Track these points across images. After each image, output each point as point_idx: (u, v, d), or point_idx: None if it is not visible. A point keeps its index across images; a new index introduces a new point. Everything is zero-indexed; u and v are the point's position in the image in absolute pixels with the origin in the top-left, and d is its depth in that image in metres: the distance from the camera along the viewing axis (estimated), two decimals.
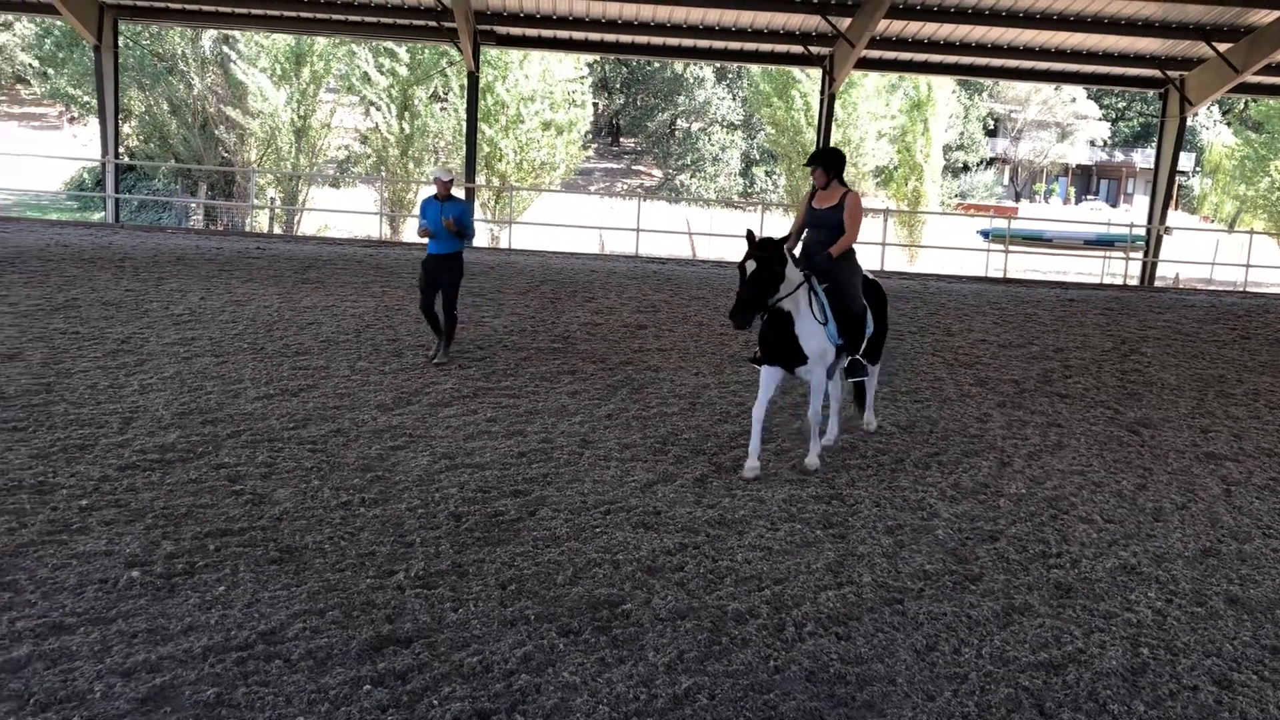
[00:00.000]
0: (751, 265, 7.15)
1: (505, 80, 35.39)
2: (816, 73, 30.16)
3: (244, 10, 23.77)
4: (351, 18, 23.76)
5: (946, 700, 4.61)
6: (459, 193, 17.15)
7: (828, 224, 7.96)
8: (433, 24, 23.25)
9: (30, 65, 49.56)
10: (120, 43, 24.90)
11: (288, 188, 35.47)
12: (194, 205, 35.65)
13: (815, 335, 7.50)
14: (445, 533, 6.15)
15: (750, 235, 7.33)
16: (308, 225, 34.03)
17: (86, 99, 39.29)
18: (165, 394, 8.88)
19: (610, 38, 24.33)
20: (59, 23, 35.19)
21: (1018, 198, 67.73)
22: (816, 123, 26.42)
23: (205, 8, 23.80)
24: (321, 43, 33.85)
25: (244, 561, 5.57)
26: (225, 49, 35.94)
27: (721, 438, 8.51)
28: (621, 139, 63.45)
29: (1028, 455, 8.55)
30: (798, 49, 23.96)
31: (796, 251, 7.91)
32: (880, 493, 7.34)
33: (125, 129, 34.77)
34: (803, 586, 5.66)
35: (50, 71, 44.29)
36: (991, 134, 67.51)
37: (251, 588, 5.25)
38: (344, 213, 34.13)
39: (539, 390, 9.79)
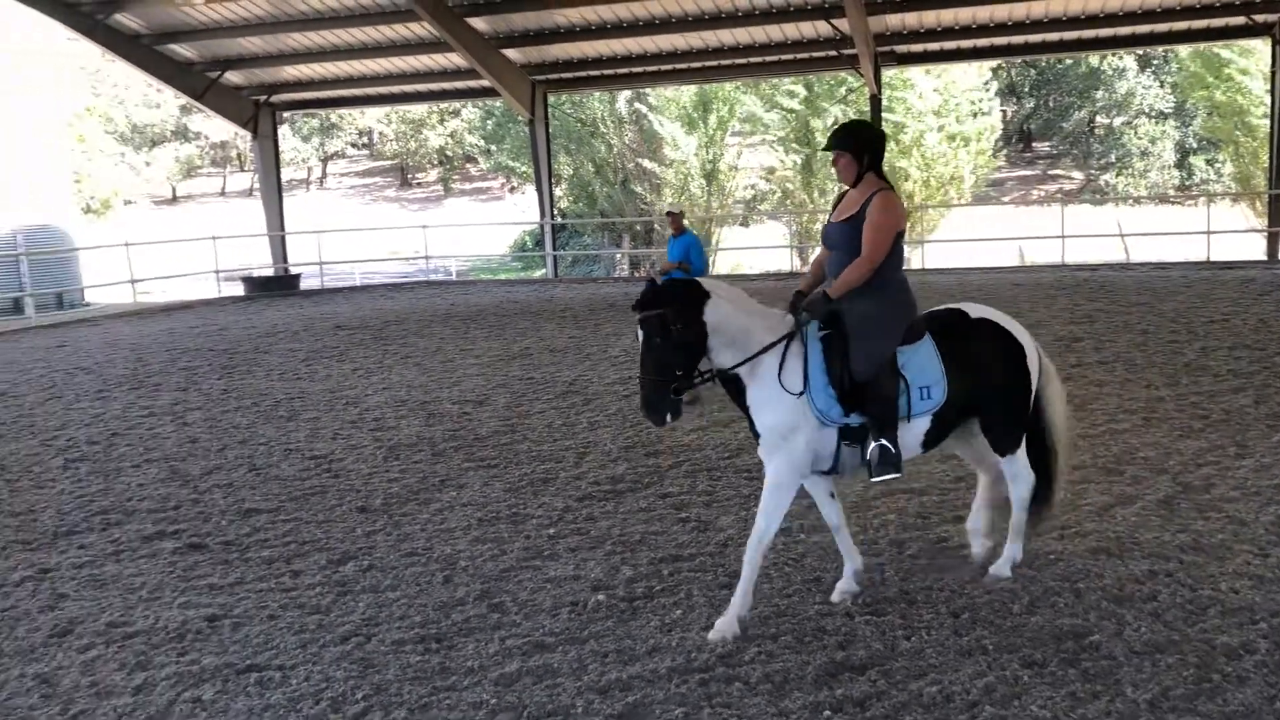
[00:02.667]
0: (639, 331, 5.01)
1: (905, 101, 34.92)
2: (1263, 44, 26.91)
3: (654, 68, 25.34)
4: (754, 59, 24.56)
5: None
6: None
7: (845, 244, 5.24)
8: (832, 53, 23.43)
9: (476, 145, 56.22)
10: (549, 114, 27.46)
11: (701, 230, 37.17)
12: (619, 255, 38.34)
13: (773, 405, 5.10)
14: (889, 559, 6.04)
15: (650, 284, 5.02)
16: (722, 264, 35.38)
17: (523, 169, 43.82)
18: (611, 429, 9.53)
19: (1018, 39, 23.23)
20: (498, 103, 39.41)
21: None
22: (1271, 99, 23.40)
23: (620, 71, 25.67)
24: (726, 87, 35.30)
25: (696, 586, 5.79)
26: (638, 105, 38.56)
27: (1185, 454, 7.68)
28: (1034, 144, 60.15)
29: None
30: (1238, 20, 21.53)
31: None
32: None
33: (557, 192, 38.30)
34: None
35: (492, 148, 49.97)
36: None
37: (705, 611, 5.43)
38: (755, 249, 35.16)
39: None
